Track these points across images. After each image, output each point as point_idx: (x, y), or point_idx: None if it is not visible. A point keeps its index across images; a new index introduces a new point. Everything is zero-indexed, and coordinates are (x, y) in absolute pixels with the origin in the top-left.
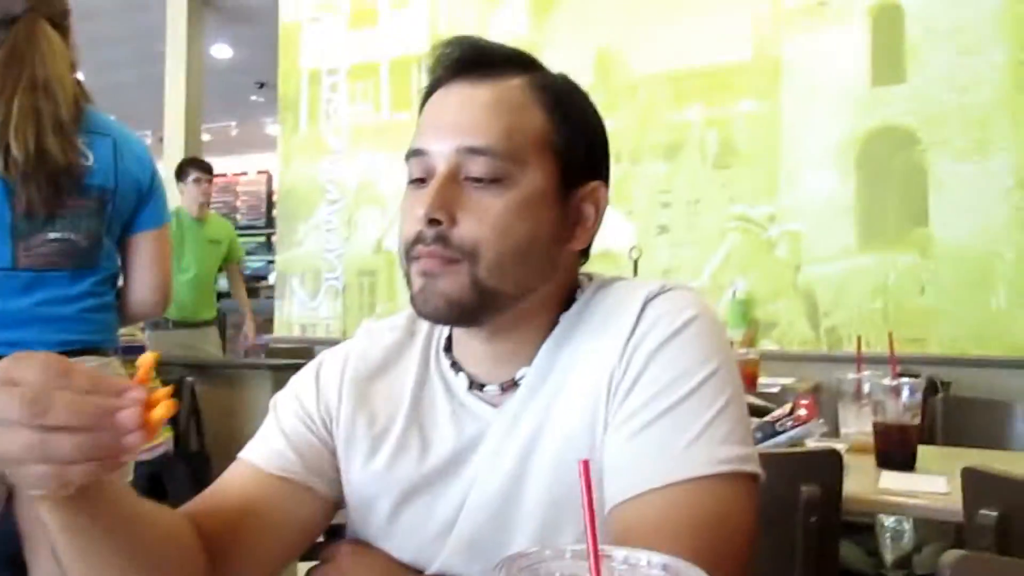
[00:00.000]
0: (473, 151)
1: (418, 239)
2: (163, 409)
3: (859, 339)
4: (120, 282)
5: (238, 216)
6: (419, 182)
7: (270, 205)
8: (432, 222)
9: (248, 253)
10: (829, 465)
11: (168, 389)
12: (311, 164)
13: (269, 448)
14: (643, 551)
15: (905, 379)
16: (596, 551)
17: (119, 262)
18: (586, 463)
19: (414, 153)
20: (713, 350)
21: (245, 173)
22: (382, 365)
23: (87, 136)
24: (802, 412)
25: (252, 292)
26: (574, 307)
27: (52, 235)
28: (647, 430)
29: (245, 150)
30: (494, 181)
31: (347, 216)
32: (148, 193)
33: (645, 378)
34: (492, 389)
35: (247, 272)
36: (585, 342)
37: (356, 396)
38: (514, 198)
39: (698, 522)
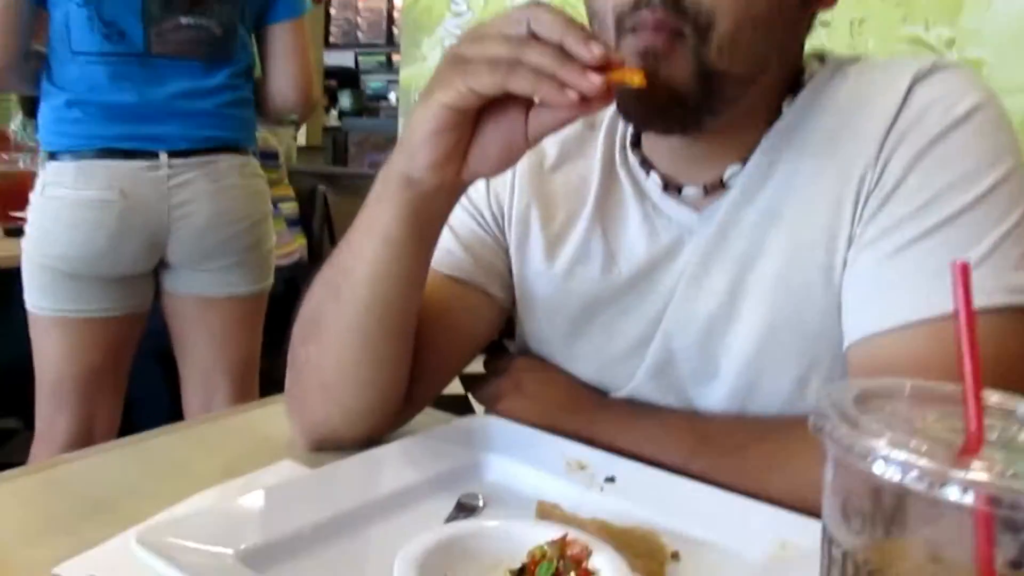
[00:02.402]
0: None
1: (639, 2)
2: (626, 75)
3: None
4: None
5: (359, 34)
6: None
7: (390, 22)
8: None
9: (368, 72)
10: None
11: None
12: None
13: (439, 247)
14: (1017, 397)
15: None
16: (977, 390)
17: (255, 54)
18: (963, 266)
19: None
20: (1003, 149)
21: None
22: (560, 158)
23: None
24: None
25: (372, 112)
26: (804, 92)
27: (185, 20)
28: (913, 248)
29: None
30: None
31: None
32: None
33: (911, 182)
34: (692, 191)
35: (368, 92)
36: (822, 135)
37: (531, 189)
38: None
39: (985, 365)
